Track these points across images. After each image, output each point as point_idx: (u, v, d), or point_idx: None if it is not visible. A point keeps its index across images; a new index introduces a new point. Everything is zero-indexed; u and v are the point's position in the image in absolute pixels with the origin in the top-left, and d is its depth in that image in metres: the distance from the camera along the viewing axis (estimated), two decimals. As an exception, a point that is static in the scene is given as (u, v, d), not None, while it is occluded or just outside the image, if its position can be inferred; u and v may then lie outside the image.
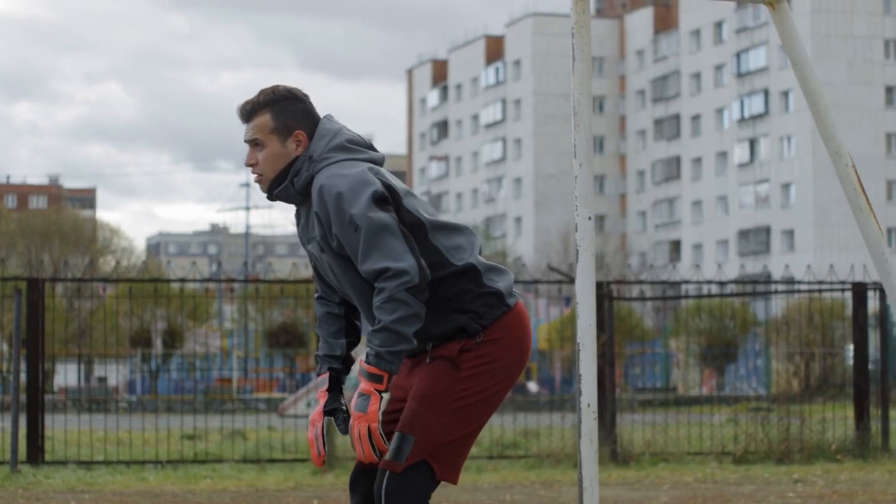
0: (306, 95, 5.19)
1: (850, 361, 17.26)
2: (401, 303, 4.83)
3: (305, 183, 5.07)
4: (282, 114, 5.10)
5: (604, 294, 15.35)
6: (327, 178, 4.98)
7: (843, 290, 17.14)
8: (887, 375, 16.81)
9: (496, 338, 5.02)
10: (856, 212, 4.43)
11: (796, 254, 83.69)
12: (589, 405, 4.19)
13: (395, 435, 4.99)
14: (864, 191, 4.39)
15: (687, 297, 18.89)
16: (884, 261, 4.45)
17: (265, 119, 5.11)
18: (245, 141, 5.18)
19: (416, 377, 5.11)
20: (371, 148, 5.18)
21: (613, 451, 15.21)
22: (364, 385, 4.90)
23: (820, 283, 17.24)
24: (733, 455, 15.60)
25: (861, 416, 16.09)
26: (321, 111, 5.21)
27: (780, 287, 20.69)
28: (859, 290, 16.50)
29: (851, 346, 17.12)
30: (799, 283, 18.02)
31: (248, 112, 5.14)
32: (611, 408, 15.42)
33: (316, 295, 5.34)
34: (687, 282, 16.87)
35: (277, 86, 5.19)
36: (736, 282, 17.39)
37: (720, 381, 45.77)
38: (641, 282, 16.80)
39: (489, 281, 5.04)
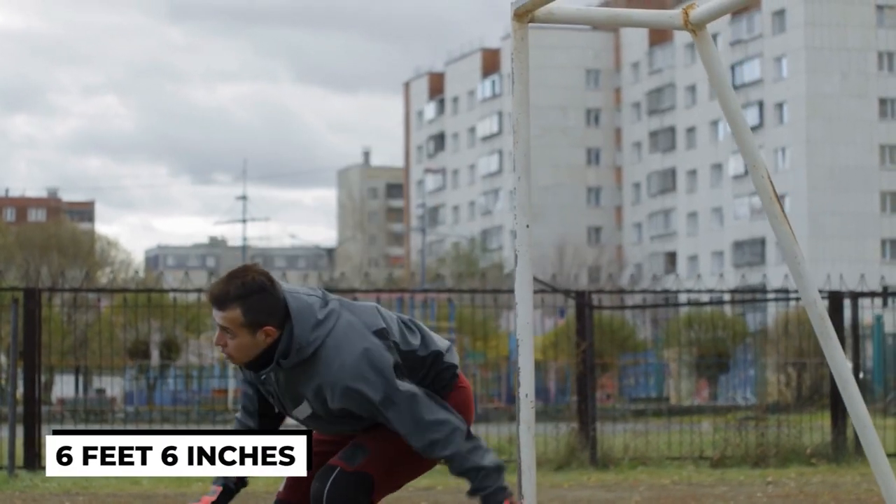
0: (273, 281, 5.26)
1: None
2: (472, 449, 5.12)
3: (297, 363, 5.22)
4: (251, 310, 5.18)
5: (584, 303, 15.76)
6: (339, 370, 5.15)
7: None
8: (860, 382, 17.20)
9: (457, 405, 5.37)
10: (771, 219, 4.86)
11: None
12: (527, 395, 4.61)
13: (352, 443, 5.34)
14: (778, 199, 4.82)
15: (667, 304, 19.33)
16: (797, 264, 4.89)
17: (235, 314, 5.19)
18: (216, 322, 5.28)
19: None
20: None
21: (593, 456, 15.62)
22: None
23: (795, 291, 17.65)
24: (711, 459, 16.02)
25: (836, 422, 16.50)
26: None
27: (758, 296, 21.08)
28: (835, 299, 16.90)
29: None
30: (777, 291, 18.43)
31: (219, 302, 5.22)
32: (591, 413, 15.82)
33: (239, 414, 5.61)
34: (668, 291, 17.29)
35: (247, 274, 5.24)
36: (715, 291, 17.80)
37: (713, 392, 46.15)
38: (622, 291, 17.22)
39: (448, 357, 5.42)
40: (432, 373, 5.36)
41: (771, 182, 4.85)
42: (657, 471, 15.31)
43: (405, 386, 5.13)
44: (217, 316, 5.23)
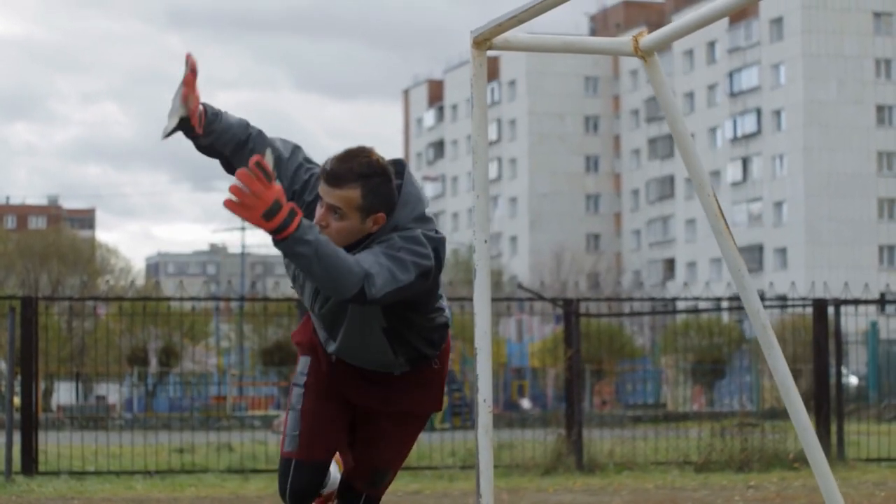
0: (392, 169, 4.99)
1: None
2: (347, 273, 4.71)
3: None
4: (371, 193, 4.88)
5: (571, 311, 16.04)
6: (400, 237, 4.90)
7: (804, 305, 17.81)
8: (842, 388, 17.45)
9: (443, 366, 5.37)
10: (716, 234, 5.15)
11: (789, 271, 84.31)
12: (485, 400, 4.89)
13: (380, 471, 5.49)
14: (723, 216, 5.12)
15: (653, 312, 19.62)
16: (741, 276, 5.18)
17: (354, 194, 4.88)
18: (324, 200, 4.92)
19: (384, 421, 5.39)
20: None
21: (579, 461, 15.89)
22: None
23: (782, 299, 17.92)
24: (695, 464, 16.28)
25: (819, 428, 16.76)
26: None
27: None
28: (820, 306, 17.16)
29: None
30: (763, 300, 18.69)
31: (337, 179, 4.88)
32: (578, 419, 16.09)
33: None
34: (654, 299, 17.56)
35: (371, 155, 4.94)
36: (701, 298, 18.07)
37: (709, 398, 46.40)
38: (610, 298, 17.50)
39: (448, 312, 5.27)
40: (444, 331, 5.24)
41: (717, 200, 5.14)
42: (642, 475, 15.58)
43: (411, 275, 4.85)
44: (329, 194, 4.87)
